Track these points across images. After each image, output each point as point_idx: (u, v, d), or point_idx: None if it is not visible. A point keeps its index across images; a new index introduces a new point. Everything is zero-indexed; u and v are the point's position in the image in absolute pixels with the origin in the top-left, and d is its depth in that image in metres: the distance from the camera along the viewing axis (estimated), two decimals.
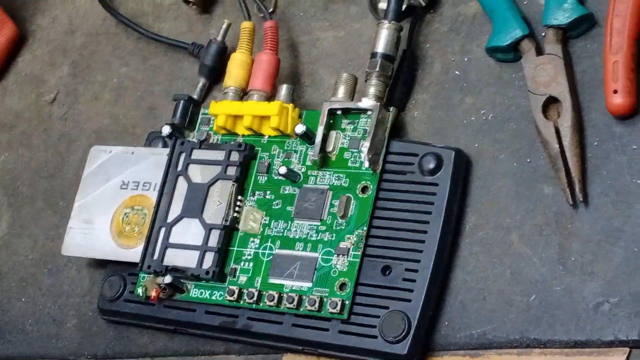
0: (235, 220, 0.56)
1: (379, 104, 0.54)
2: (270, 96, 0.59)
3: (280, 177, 0.56)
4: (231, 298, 0.54)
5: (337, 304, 0.52)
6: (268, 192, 0.57)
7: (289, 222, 0.55)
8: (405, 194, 0.53)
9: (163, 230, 0.57)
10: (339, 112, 0.56)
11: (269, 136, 0.58)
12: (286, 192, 0.56)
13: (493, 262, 0.52)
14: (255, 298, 0.54)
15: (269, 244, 0.55)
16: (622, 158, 0.51)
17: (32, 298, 0.64)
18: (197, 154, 0.58)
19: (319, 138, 0.55)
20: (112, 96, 0.69)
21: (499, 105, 0.55)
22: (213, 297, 0.55)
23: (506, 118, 0.54)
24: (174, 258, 0.57)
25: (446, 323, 0.52)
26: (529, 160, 0.53)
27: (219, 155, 0.58)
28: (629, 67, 0.50)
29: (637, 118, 0.51)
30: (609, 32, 0.51)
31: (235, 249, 0.56)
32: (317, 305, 0.52)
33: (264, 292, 0.54)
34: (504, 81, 0.55)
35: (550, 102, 0.52)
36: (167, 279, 0.56)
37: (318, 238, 0.54)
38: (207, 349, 0.57)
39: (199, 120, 0.61)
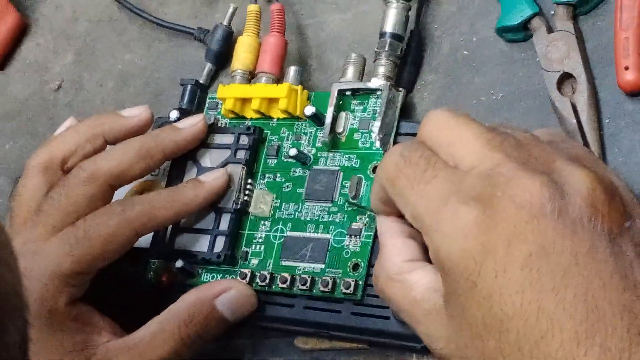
0: (246, 204, 0.56)
1: (389, 83, 0.54)
2: (279, 79, 0.59)
3: (290, 160, 0.56)
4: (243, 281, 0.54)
5: (350, 285, 0.51)
6: (278, 175, 0.56)
7: (300, 204, 0.55)
8: None
9: None
10: (348, 93, 0.55)
11: (278, 119, 0.58)
12: (296, 174, 0.56)
13: None
14: (267, 281, 0.53)
15: (280, 226, 0.55)
16: (634, 135, 0.50)
17: None
18: (206, 138, 0.58)
19: (328, 119, 0.55)
20: (117, 83, 0.68)
21: (509, 85, 0.55)
22: None
23: (517, 97, 0.54)
24: (184, 243, 0.56)
25: None
26: None
27: (228, 139, 0.57)
28: None
29: None
30: (618, 7, 0.51)
31: (246, 232, 0.56)
32: (330, 286, 0.52)
33: (276, 275, 0.53)
34: (514, 60, 0.55)
35: (565, 79, 0.52)
36: (178, 263, 0.55)
37: (329, 219, 0.54)
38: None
39: (206, 105, 0.60)
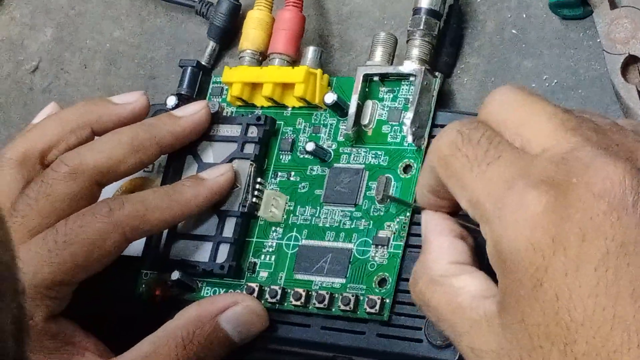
0: (255, 207, 0.56)
1: (423, 67, 0.55)
2: (294, 60, 0.59)
3: (306, 156, 0.57)
4: None
5: (375, 303, 0.52)
6: (292, 173, 0.57)
7: (318, 208, 0.56)
8: None
9: None
10: (375, 79, 0.56)
11: (293, 107, 0.58)
12: (314, 172, 0.56)
13: None
14: (278, 297, 0.54)
15: (294, 233, 0.56)
16: None
17: None
18: (209, 130, 0.59)
19: (352, 109, 0.55)
20: (105, 64, 0.69)
21: (565, 69, 0.55)
22: None
23: (573, 84, 0.55)
24: (182, 251, 0.57)
25: None
26: None
27: (235, 130, 0.58)
28: None
29: None
30: None
31: (254, 240, 0.56)
32: (352, 304, 0.52)
33: (289, 290, 0.54)
34: (571, 41, 0.55)
35: (630, 63, 0.52)
36: (175, 275, 0.56)
37: (352, 226, 0.54)
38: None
39: (209, 90, 0.61)
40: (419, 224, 0.52)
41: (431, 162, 0.45)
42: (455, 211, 0.48)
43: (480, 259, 0.46)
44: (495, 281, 0.43)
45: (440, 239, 0.47)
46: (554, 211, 0.39)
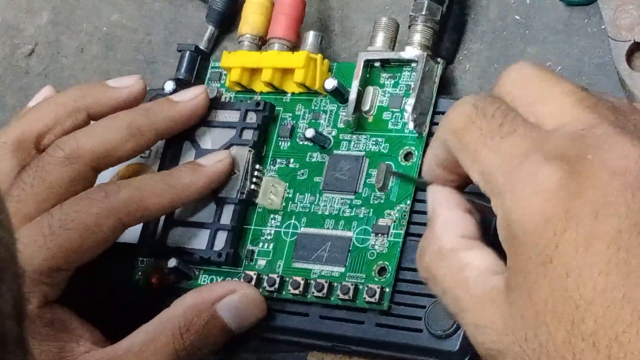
0: (253, 194, 0.56)
1: (425, 53, 0.55)
2: (295, 46, 0.59)
3: (306, 142, 0.56)
4: None
5: (375, 292, 0.52)
6: (292, 160, 0.57)
7: (317, 196, 0.55)
8: None
9: None
10: (377, 64, 0.56)
11: (293, 93, 0.58)
12: (313, 159, 0.56)
13: None
14: (276, 285, 0.54)
15: (292, 221, 0.56)
16: None
17: None
18: (207, 115, 0.58)
19: (353, 95, 0.55)
20: (102, 48, 0.69)
21: (569, 56, 0.55)
22: None
23: (577, 71, 0.54)
24: (179, 238, 0.57)
25: None
26: None
27: (233, 116, 0.58)
28: None
29: None
30: None
31: (252, 227, 0.56)
32: (351, 293, 0.52)
33: (287, 279, 0.54)
34: (575, 27, 0.55)
35: (636, 50, 0.52)
36: (172, 262, 0.56)
37: (352, 214, 0.54)
38: None
39: (207, 75, 0.61)
40: (419, 212, 0.53)
41: (443, 135, 0.45)
42: (462, 186, 0.48)
43: (486, 236, 0.46)
44: (503, 258, 0.43)
45: (448, 213, 0.46)
46: (568, 186, 0.39)
